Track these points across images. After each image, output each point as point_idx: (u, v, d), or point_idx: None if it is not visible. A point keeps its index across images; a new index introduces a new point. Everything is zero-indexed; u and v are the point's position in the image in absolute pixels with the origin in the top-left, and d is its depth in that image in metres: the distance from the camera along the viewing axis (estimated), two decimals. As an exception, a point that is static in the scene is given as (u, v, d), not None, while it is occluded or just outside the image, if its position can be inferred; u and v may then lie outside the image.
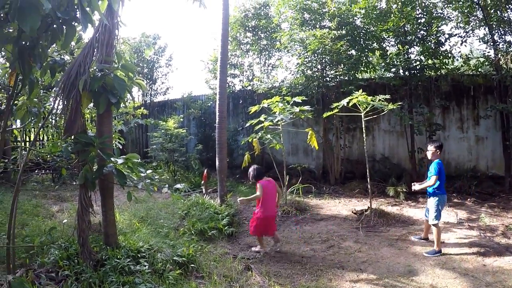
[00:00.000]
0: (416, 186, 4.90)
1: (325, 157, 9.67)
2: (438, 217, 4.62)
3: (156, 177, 3.68)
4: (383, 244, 4.98)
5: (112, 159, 3.11)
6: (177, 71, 25.85)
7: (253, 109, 6.61)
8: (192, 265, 3.84)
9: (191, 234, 4.93)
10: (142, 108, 10.56)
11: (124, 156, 3.15)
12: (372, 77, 9.84)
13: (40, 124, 3.60)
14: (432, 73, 8.72)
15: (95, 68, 3.42)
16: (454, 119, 9.33)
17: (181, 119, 10.56)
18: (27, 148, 3.27)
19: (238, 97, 11.27)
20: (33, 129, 7.90)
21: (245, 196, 7.95)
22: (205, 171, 7.95)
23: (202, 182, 8.15)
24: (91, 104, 3.53)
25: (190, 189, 8.62)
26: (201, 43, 45.71)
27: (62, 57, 3.49)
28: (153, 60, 14.51)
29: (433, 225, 4.62)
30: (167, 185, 3.89)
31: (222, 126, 6.53)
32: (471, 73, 8.94)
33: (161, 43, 14.75)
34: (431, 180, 4.67)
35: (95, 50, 3.49)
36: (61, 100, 3.35)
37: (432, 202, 4.72)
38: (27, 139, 9.86)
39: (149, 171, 3.52)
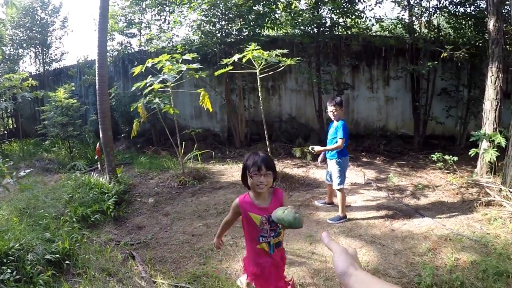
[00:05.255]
0: (316, 147, 4.32)
1: (229, 119, 9.05)
2: (342, 181, 4.22)
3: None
4: (284, 211, 4.59)
5: None
6: (73, 33, 22.81)
7: (136, 70, 5.47)
8: (67, 262, 3.20)
9: (72, 222, 4.17)
10: (30, 79, 8.97)
11: None
12: (279, 35, 9.31)
13: None
14: (343, 32, 8.46)
15: None
16: (364, 79, 9.30)
17: (73, 88, 9.09)
18: None
19: (136, 59, 9.92)
20: None
21: (143, 168, 7.05)
22: (97, 145, 6.83)
23: (96, 157, 7.11)
24: None
25: (86, 166, 7.57)
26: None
27: None
28: (47, 23, 12.46)
29: (338, 190, 4.20)
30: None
31: (103, 92, 5.39)
32: (383, 35, 8.90)
33: (56, 2, 12.65)
34: (338, 143, 4.13)
35: None
36: None
37: (334, 165, 4.24)
38: None
39: None
